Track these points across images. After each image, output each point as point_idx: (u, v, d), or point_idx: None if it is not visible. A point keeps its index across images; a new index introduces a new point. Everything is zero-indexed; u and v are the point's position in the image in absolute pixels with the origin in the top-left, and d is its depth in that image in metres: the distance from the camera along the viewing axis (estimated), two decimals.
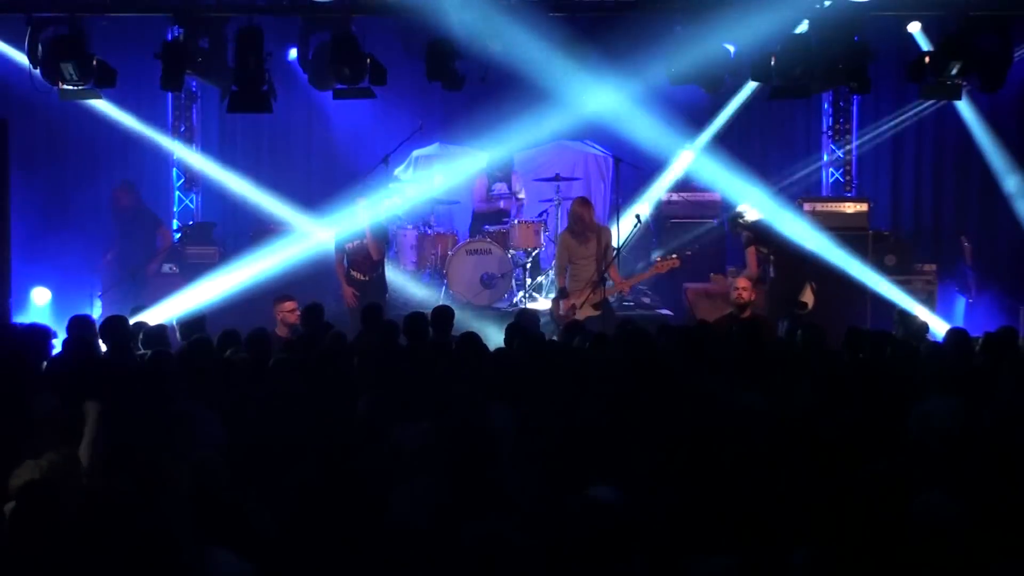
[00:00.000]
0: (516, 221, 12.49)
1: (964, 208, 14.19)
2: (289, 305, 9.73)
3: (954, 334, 8.27)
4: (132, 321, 8.74)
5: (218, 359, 7.79)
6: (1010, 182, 13.33)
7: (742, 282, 10.10)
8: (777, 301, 10.90)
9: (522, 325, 8.83)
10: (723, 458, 5.47)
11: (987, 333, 8.32)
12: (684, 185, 13.67)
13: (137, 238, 12.41)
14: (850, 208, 12.62)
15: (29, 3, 9.91)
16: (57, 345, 8.12)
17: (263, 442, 6.08)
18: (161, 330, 8.59)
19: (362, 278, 11.11)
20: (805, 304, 10.92)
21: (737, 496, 4.99)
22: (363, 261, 11.11)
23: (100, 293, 11.87)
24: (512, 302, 12.25)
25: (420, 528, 4.95)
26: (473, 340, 7.95)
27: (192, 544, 4.55)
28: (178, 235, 13.31)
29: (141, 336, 8.49)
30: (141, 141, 13.54)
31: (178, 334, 8.88)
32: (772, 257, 11.08)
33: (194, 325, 8.77)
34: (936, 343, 8.89)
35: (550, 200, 12.85)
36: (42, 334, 7.88)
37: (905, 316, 9.86)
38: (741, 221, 11.43)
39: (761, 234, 11.16)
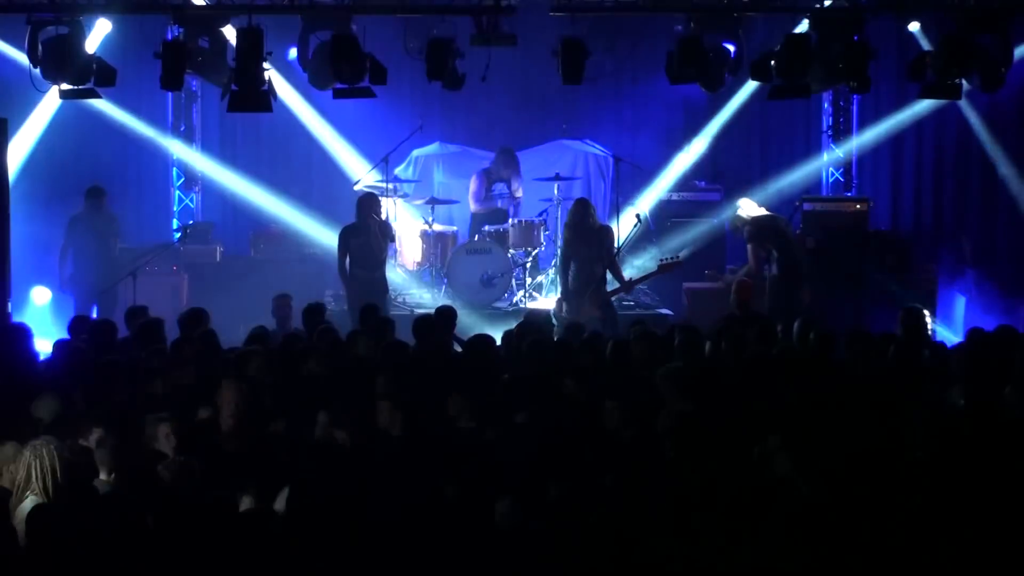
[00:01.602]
0: (516, 221, 12.49)
1: (964, 208, 14.19)
2: (280, 300, 9.76)
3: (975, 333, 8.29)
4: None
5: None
6: (1004, 167, 13.42)
7: (742, 283, 10.06)
8: (779, 299, 10.85)
9: (533, 326, 8.81)
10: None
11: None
12: (684, 185, 13.67)
13: (108, 242, 12.26)
14: (850, 208, 12.62)
15: (29, 3, 9.90)
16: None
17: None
18: (158, 324, 8.57)
19: (367, 275, 11.12)
20: (802, 301, 10.90)
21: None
22: (368, 258, 11.12)
23: (100, 292, 11.86)
24: (512, 302, 12.25)
25: None
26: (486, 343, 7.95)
27: None
28: (178, 234, 13.31)
29: (138, 332, 8.49)
30: (141, 141, 13.56)
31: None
32: (775, 254, 11.00)
33: (196, 321, 8.76)
34: (939, 343, 8.89)
35: (550, 200, 12.85)
36: (21, 333, 7.91)
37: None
38: (741, 215, 11.35)
39: (762, 230, 11.10)
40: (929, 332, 9.82)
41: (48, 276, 12.67)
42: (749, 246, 11.02)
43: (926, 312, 10.41)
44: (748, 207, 11.38)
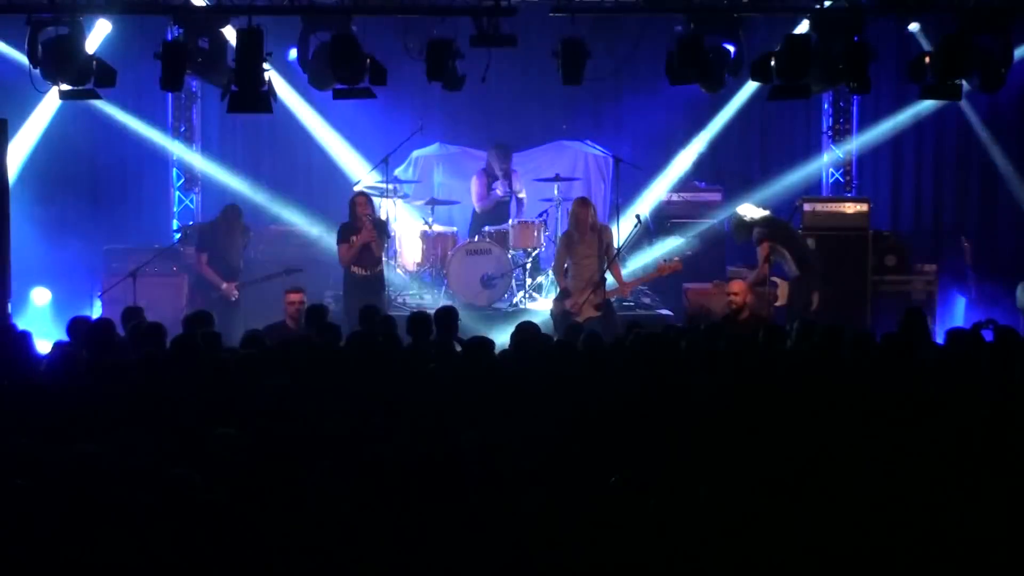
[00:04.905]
0: (516, 221, 12.49)
1: (964, 208, 14.19)
2: (292, 296, 9.81)
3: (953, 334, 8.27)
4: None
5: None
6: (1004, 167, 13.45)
7: (734, 286, 10.01)
8: (802, 298, 10.78)
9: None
10: None
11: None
12: (684, 185, 13.67)
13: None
14: (850, 208, 12.61)
15: (29, 3, 9.90)
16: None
17: None
18: (158, 328, 8.56)
19: (364, 273, 11.15)
20: (810, 303, 10.86)
21: None
22: (367, 256, 11.14)
23: (100, 293, 11.86)
24: (512, 302, 12.25)
25: None
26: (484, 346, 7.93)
27: None
28: (177, 235, 13.30)
29: (136, 334, 8.47)
30: (141, 141, 13.56)
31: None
32: (790, 255, 10.89)
33: (198, 321, 8.75)
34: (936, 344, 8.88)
35: (550, 200, 12.85)
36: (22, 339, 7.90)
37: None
38: (748, 219, 11.15)
39: (776, 231, 10.94)
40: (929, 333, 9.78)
41: (48, 276, 12.68)
42: (762, 249, 10.73)
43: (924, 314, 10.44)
44: (750, 210, 11.23)
